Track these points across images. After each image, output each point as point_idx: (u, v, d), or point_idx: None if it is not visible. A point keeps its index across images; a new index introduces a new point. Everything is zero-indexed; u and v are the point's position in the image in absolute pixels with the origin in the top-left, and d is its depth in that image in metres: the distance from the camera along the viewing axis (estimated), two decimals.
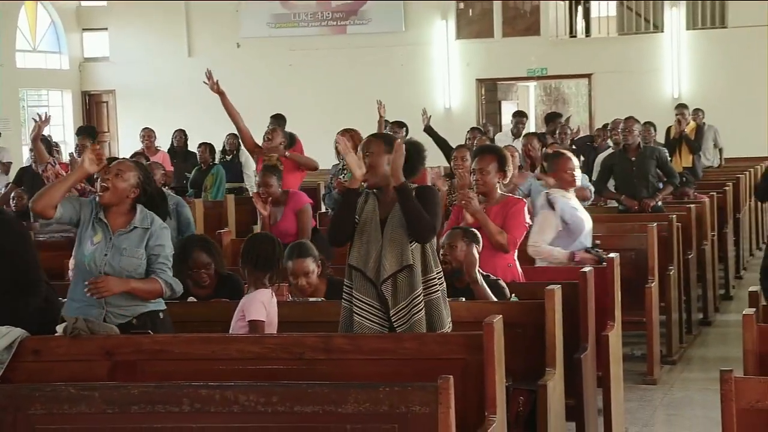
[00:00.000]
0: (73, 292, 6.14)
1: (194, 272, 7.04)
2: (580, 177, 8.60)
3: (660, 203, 11.34)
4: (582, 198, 9.42)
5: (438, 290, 5.71)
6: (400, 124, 14.85)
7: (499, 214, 7.47)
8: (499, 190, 7.68)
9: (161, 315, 6.16)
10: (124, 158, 6.46)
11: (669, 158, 11.94)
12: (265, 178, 9.16)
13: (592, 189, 9.62)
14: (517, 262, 7.54)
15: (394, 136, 6.04)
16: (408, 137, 6.51)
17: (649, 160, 11.36)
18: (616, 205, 11.71)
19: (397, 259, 5.62)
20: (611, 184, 11.61)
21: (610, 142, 13.68)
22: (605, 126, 16.10)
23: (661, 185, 11.46)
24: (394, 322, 5.62)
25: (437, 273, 5.73)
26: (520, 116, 16.57)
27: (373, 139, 5.85)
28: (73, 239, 6.43)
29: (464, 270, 6.71)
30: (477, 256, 6.74)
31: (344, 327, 5.74)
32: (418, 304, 5.63)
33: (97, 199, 6.16)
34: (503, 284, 6.83)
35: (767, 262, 5.73)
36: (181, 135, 17.14)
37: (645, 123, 12.45)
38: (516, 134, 15.60)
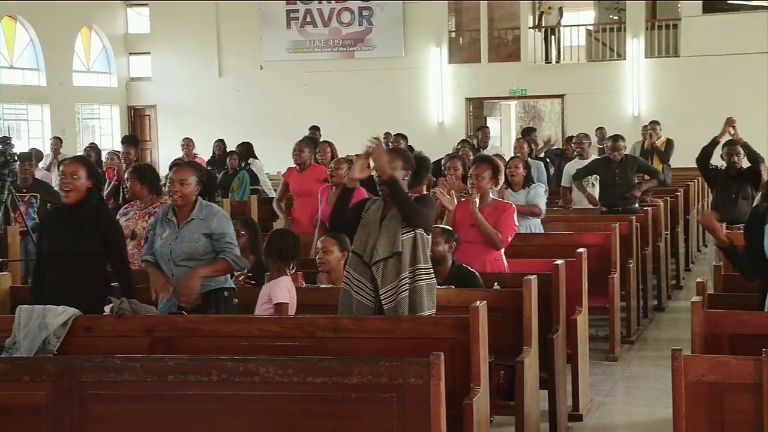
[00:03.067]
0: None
1: None
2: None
3: (637, 206, 11.35)
4: (531, 214, 9.41)
5: (423, 281, 5.68)
6: (402, 136, 14.86)
7: (492, 216, 7.47)
8: (491, 195, 7.70)
9: (226, 293, 6.17)
10: (179, 163, 6.51)
11: (644, 160, 11.99)
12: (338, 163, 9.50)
13: (543, 208, 9.56)
14: (504, 256, 7.55)
15: (408, 152, 6.03)
16: (417, 151, 6.50)
17: (630, 170, 11.39)
18: (587, 207, 11.73)
19: (389, 247, 5.62)
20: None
21: (575, 154, 13.66)
22: (571, 138, 16.16)
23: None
24: (383, 299, 5.61)
25: (425, 267, 5.70)
26: (483, 130, 16.58)
27: (393, 155, 5.88)
28: None
29: None
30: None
31: (343, 305, 5.73)
32: (404, 286, 5.61)
33: (172, 202, 6.24)
34: (477, 274, 6.82)
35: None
36: (220, 144, 17.13)
37: (615, 135, 12.49)
38: (482, 145, 15.52)
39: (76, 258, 6.10)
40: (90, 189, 6.24)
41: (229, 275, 6.26)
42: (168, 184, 6.29)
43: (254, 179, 15.09)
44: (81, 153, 15.48)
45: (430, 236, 5.86)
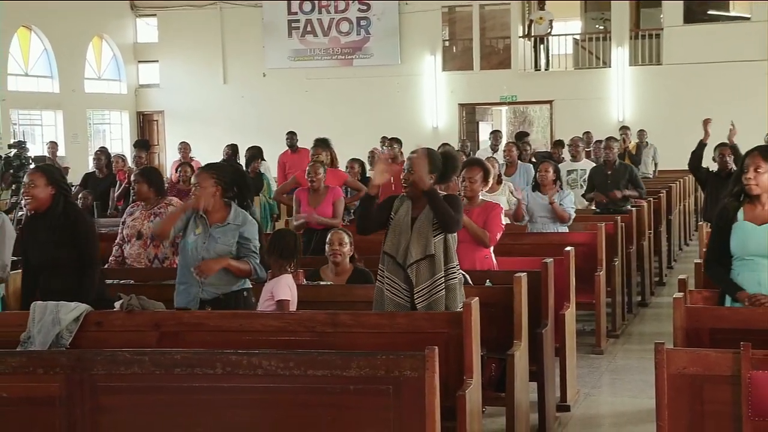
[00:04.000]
0: (180, 276, 6.16)
1: None
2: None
3: (628, 206, 11.38)
4: (561, 219, 9.54)
5: (456, 278, 5.72)
6: (398, 140, 14.83)
7: (481, 215, 7.46)
8: (480, 196, 7.70)
9: (245, 294, 6.16)
10: (201, 168, 6.48)
11: (637, 172, 12.03)
12: (315, 167, 9.62)
13: (572, 216, 9.67)
14: (493, 255, 7.54)
15: (437, 154, 5.99)
16: (448, 149, 6.53)
17: (621, 176, 11.46)
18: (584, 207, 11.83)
19: (422, 249, 5.64)
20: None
21: (566, 156, 13.70)
22: (560, 142, 16.18)
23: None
24: (416, 299, 5.62)
25: (456, 264, 5.74)
26: (496, 134, 16.60)
27: (421, 154, 5.84)
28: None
29: None
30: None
31: (377, 302, 5.76)
32: (439, 286, 5.64)
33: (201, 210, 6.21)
34: (466, 274, 6.80)
35: (710, 256, 5.66)
36: (230, 149, 17.05)
37: (608, 138, 12.54)
38: (494, 149, 15.60)
39: (58, 265, 6.08)
40: (54, 195, 6.17)
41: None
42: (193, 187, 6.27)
43: (259, 183, 15.04)
44: (92, 156, 15.39)
45: (455, 234, 5.86)
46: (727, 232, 5.44)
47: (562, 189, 9.89)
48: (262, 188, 14.13)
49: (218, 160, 16.56)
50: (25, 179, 6.27)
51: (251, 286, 6.29)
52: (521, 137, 16.06)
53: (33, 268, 6.25)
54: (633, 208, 11.35)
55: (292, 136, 16.38)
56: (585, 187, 11.90)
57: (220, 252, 6.05)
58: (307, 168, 9.76)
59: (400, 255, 5.67)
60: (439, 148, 10.93)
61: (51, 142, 19.09)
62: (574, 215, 9.82)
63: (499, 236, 7.51)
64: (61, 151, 19.73)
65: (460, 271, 6.71)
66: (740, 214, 5.43)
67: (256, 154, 15.34)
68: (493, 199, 8.23)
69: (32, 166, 6.70)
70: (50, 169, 6.46)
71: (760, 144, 5.67)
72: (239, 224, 6.10)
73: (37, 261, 6.20)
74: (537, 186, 9.84)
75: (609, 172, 11.49)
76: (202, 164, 6.44)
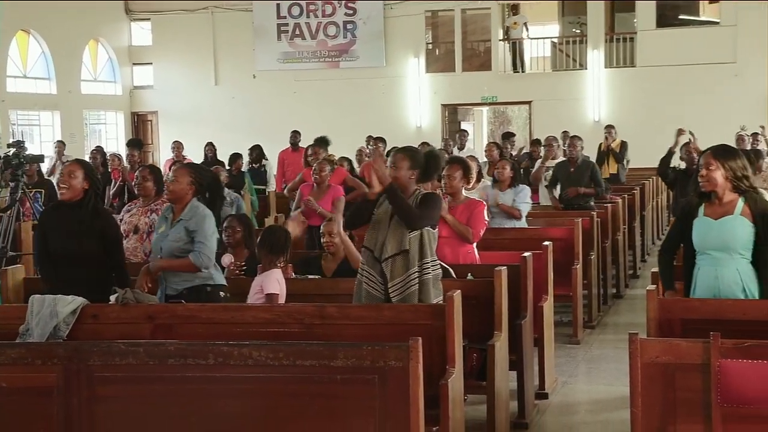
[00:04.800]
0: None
1: (221, 232, 6.94)
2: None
3: (592, 202, 11.39)
4: (512, 216, 9.47)
5: (430, 274, 5.68)
6: (382, 140, 14.85)
7: (464, 212, 7.46)
8: (463, 193, 7.69)
9: (208, 288, 6.09)
10: (180, 164, 6.45)
11: (599, 170, 12.04)
12: (322, 164, 9.73)
13: (524, 214, 9.63)
14: (476, 249, 7.54)
15: (419, 152, 5.97)
16: (431, 148, 6.53)
17: (585, 172, 11.47)
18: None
19: (397, 245, 5.62)
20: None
21: (542, 154, 13.71)
22: (538, 141, 16.23)
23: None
24: (390, 293, 5.61)
25: (432, 260, 5.71)
26: (462, 133, 16.68)
27: (399, 155, 5.84)
28: None
29: None
30: None
31: (356, 294, 5.76)
32: (413, 281, 5.62)
33: (166, 198, 6.21)
34: (447, 267, 6.79)
35: (664, 245, 5.73)
36: (211, 147, 17.04)
37: (573, 136, 12.53)
38: (460, 148, 15.68)
39: (78, 257, 6.05)
40: (87, 190, 6.17)
41: (219, 271, 6.21)
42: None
43: (261, 179, 15.03)
44: (88, 155, 15.35)
45: (436, 230, 5.84)
46: (687, 226, 5.50)
47: (516, 186, 9.68)
48: (244, 186, 14.12)
49: (201, 158, 16.67)
50: (65, 169, 6.25)
51: (219, 283, 6.16)
52: (507, 137, 16.23)
53: (53, 257, 6.19)
54: (607, 205, 11.37)
55: (295, 134, 16.44)
56: (549, 181, 11.94)
57: (168, 249, 6.03)
58: (315, 165, 9.80)
59: (377, 249, 5.66)
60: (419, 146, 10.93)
61: (59, 141, 18.97)
62: (527, 210, 9.68)
63: (482, 232, 7.51)
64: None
65: (445, 265, 6.74)
66: (701, 210, 5.49)
67: (261, 152, 15.49)
68: (471, 195, 8.22)
69: (66, 162, 6.67)
70: (89, 164, 6.50)
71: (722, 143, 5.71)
72: (187, 219, 6.05)
73: (59, 251, 6.15)
74: (495, 182, 9.75)
75: (572, 169, 11.50)
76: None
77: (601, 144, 15.67)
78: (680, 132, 11.03)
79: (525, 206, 9.59)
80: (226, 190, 10.15)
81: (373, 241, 5.70)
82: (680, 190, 10.33)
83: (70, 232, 6.09)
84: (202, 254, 5.99)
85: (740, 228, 5.35)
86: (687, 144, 10.76)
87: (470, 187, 8.99)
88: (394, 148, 6.65)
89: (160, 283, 6.10)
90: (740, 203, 5.40)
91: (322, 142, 11.28)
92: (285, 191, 11.88)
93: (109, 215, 6.55)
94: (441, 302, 5.60)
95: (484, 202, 7.80)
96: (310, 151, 11.28)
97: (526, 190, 9.72)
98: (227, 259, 6.95)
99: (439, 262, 5.86)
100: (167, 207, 6.33)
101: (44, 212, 6.65)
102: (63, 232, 6.12)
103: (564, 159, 12.31)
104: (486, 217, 7.60)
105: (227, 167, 14.73)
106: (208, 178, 6.28)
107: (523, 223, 9.56)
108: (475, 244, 7.52)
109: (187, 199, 6.11)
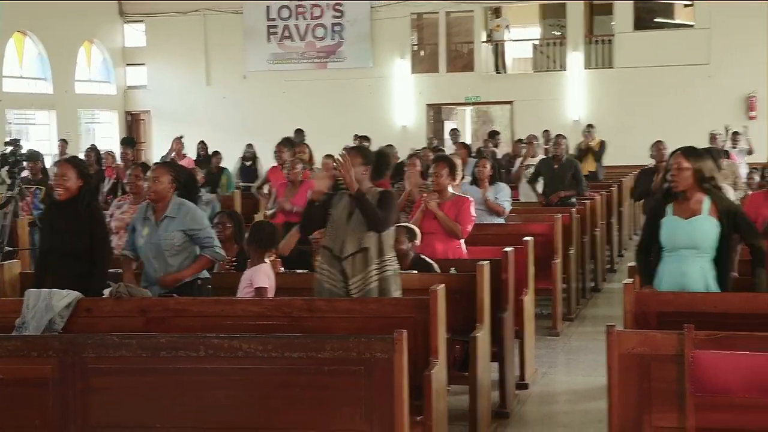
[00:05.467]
0: (144, 276, 6.15)
1: (214, 225, 6.95)
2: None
3: (574, 199, 11.43)
4: (496, 213, 9.49)
5: (389, 270, 5.68)
6: (366, 138, 14.83)
7: (452, 209, 7.47)
8: (450, 190, 7.68)
9: (199, 282, 6.12)
10: (156, 163, 6.43)
11: (581, 169, 12.07)
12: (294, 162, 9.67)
13: (508, 209, 9.66)
14: (464, 244, 7.55)
15: (370, 151, 5.96)
16: (381, 147, 6.49)
17: (567, 170, 11.53)
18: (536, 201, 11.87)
19: (356, 243, 5.60)
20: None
21: (523, 153, 13.76)
22: (521, 140, 16.24)
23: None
24: (351, 289, 5.59)
25: (390, 256, 5.71)
26: (455, 132, 16.81)
27: (352, 152, 5.82)
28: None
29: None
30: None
31: (317, 292, 5.72)
32: (372, 277, 5.61)
33: (147, 199, 6.16)
34: (433, 263, 6.80)
35: (639, 245, 5.76)
36: (203, 145, 17.02)
37: (558, 135, 12.60)
38: (455, 142, 15.86)
39: (71, 254, 6.05)
40: (81, 188, 6.17)
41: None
42: (144, 182, 6.24)
43: (252, 177, 15.01)
44: (83, 153, 15.29)
45: (393, 226, 5.84)
46: (656, 225, 5.52)
47: (497, 183, 9.72)
48: (220, 182, 14.15)
49: (194, 156, 16.66)
50: (58, 171, 6.24)
51: (208, 276, 6.22)
52: (493, 135, 16.36)
53: (47, 253, 6.21)
54: (585, 201, 11.42)
55: (299, 133, 16.41)
56: (531, 175, 12.00)
57: (163, 246, 6.02)
58: (287, 163, 9.77)
59: (336, 248, 5.63)
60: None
61: (62, 140, 18.90)
62: (509, 208, 9.72)
63: (470, 228, 7.52)
64: (54, 149, 19.57)
65: (428, 259, 6.76)
66: (669, 209, 5.51)
67: (254, 153, 15.57)
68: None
69: (57, 162, 6.67)
70: (81, 162, 6.48)
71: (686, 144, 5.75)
72: (176, 216, 6.04)
73: (49, 246, 6.16)
74: (475, 180, 9.77)
75: (556, 167, 11.57)
76: (193, 161, 6.47)
77: (580, 143, 15.71)
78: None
79: (507, 204, 9.62)
80: (202, 190, 10.12)
81: (332, 241, 5.66)
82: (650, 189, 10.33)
83: (65, 228, 6.08)
84: (216, 248, 6.06)
85: (709, 228, 5.39)
86: (658, 142, 10.79)
87: (456, 183, 9.01)
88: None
89: (152, 283, 6.06)
90: (707, 202, 5.43)
91: (286, 143, 11.24)
92: (252, 190, 11.85)
93: (101, 214, 6.52)
94: (400, 296, 5.63)
95: (471, 199, 7.80)
96: (275, 149, 11.18)
97: (506, 189, 9.76)
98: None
99: (394, 257, 5.83)
100: (143, 207, 6.25)
101: (46, 210, 6.64)
102: (56, 229, 6.12)
103: (546, 156, 12.35)
104: (473, 213, 7.61)
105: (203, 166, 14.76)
106: (184, 176, 6.31)
107: (501, 221, 9.57)
108: (462, 240, 7.53)
109: (169, 197, 6.10)
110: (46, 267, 6.19)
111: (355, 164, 5.68)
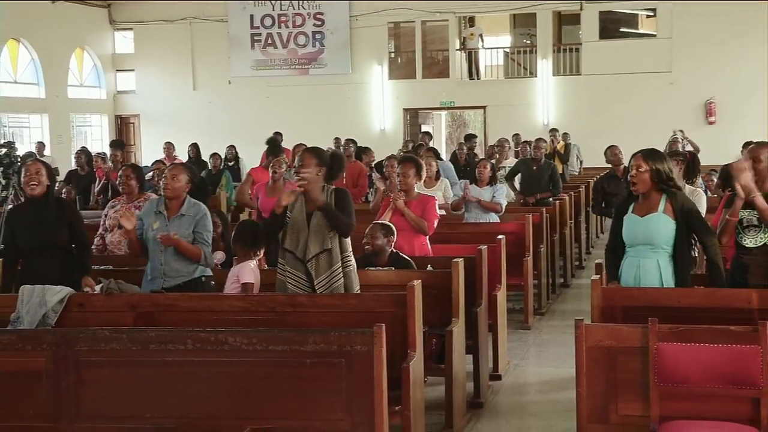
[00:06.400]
0: (149, 269, 6.12)
1: None
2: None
3: (550, 199, 11.55)
4: (493, 210, 9.60)
5: (351, 264, 5.64)
6: (352, 141, 14.74)
7: (418, 207, 7.46)
8: (416, 189, 7.68)
9: (203, 279, 6.11)
10: (176, 163, 6.47)
11: (557, 171, 12.14)
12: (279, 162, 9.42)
13: (504, 206, 9.75)
14: (429, 242, 7.55)
15: (325, 152, 5.83)
16: (334, 149, 6.39)
17: (546, 171, 11.65)
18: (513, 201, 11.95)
19: (319, 244, 5.52)
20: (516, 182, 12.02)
21: (497, 156, 13.79)
22: (493, 145, 16.30)
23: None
24: (318, 289, 5.51)
25: (350, 253, 5.63)
26: (424, 135, 16.84)
27: (306, 154, 5.68)
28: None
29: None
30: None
31: (279, 291, 5.61)
32: (338, 275, 5.55)
33: (163, 194, 6.17)
34: (410, 261, 6.78)
35: (608, 243, 5.78)
36: (194, 147, 16.93)
37: (538, 138, 12.72)
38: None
39: (52, 247, 6.08)
40: (48, 186, 6.28)
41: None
42: (162, 179, 6.24)
43: (236, 177, 14.95)
44: (74, 155, 15.17)
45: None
46: (619, 223, 5.56)
47: (495, 184, 9.97)
48: (220, 183, 14.06)
49: (185, 158, 16.61)
50: (32, 168, 6.28)
51: (211, 273, 6.22)
52: (469, 139, 16.41)
53: (19, 252, 6.22)
54: (555, 201, 11.48)
55: (277, 136, 16.37)
56: (508, 172, 12.10)
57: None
58: (271, 164, 9.71)
59: (299, 251, 5.53)
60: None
61: (38, 142, 18.81)
62: (505, 204, 9.86)
63: (435, 224, 7.52)
64: (47, 151, 19.43)
65: (405, 256, 6.75)
66: (630, 207, 5.55)
67: (235, 152, 15.51)
68: (429, 194, 8.22)
69: (28, 161, 6.71)
70: (47, 164, 6.55)
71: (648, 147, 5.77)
72: (193, 215, 6.07)
73: (26, 245, 6.16)
74: (476, 181, 9.89)
75: (534, 168, 11.69)
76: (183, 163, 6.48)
77: (546, 146, 15.79)
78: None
79: (503, 201, 9.80)
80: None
81: (295, 243, 5.54)
82: (612, 189, 10.37)
83: (41, 224, 6.11)
84: (208, 253, 6.07)
85: (663, 225, 5.43)
86: (612, 146, 11.00)
87: (428, 185, 9.04)
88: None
89: (156, 276, 6.04)
90: (663, 201, 5.47)
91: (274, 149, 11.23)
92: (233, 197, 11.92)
93: (74, 206, 6.63)
94: (359, 291, 5.61)
95: (435, 197, 7.81)
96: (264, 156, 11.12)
97: (503, 188, 9.96)
98: (219, 255, 6.90)
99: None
100: (155, 202, 6.26)
101: (11, 211, 6.61)
102: (28, 227, 6.14)
103: (522, 158, 12.43)
104: (437, 211, 7.62)
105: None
106: (199, 179, 6.37)
107: (496, 218, 9.66)
108: (428, 237, 7.52)
109: (184, 196, 6.11)
110: (15, 266, 6.24)
111: (310, 165, 5.57)
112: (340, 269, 5.56)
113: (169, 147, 16.31)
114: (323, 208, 5.53)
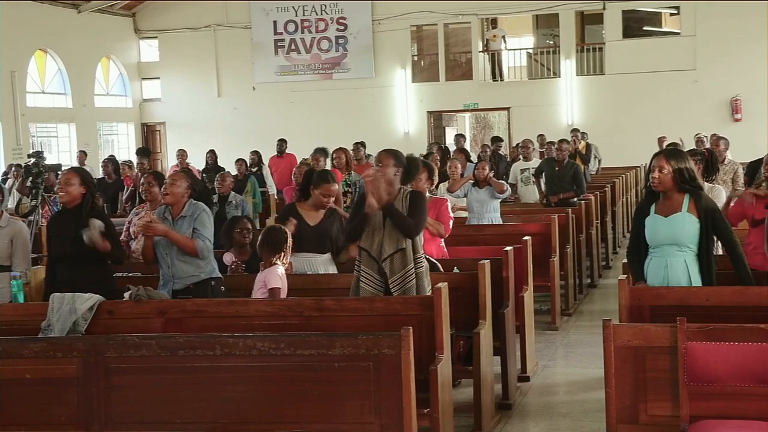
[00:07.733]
0: (160, 274, 6.19)
1: (237, 232, 7.08)
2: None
3: (575, 199, 11.54)
4: (500, 191, 9.66)
5: (423, 266, 5.69)
6: (362, 144, 14.71)
7: (432, 210, 7.44)
8: (428, 193, 7.68)
9: (213, 282, 6.14)
10: (176, 171, 6.50)
11: (581, 172, 12.12)
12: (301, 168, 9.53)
13: (505, 184, 9.87)
14: (444, 244, 7.55)
15: (402, 155, 5.91)
16: (409, 154, 6.43)
17: (568, 172, 11.63)
18: (528, 201, 11.96)
19: (394, 244, 5.60)
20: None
21: (521, 157, 13.75)
22: (517, 145, 16.25)
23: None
24: (392, 288, 5.58)
25: (422, 254, 5.71)
26: (459, 137, 16.81)
27: (384, 154, 5.81)
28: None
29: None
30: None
31: (353, 291, 5.73)
32: (411, 275, 5.61)
33: (163, 201, 6.24)
34: (436, 262, 6.75)
35: (630, 245, 5.75)
36: (212, 154, 16.99)
37: (561, 140, 12.70)
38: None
39: (81, 257, 6.06)
40: (84, 195, 6.22)
41: (216, 268, 6.23)
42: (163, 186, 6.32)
43: (260, 183, 15.00)
44: (101, 164, 15.26)
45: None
46: (641, 224, 5.53)
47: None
48: (245, 189, 14.09)
49: (203, 164, 16.71)
50: (62, 178, 6.28)
51: (220, 276, 6.25)
52: (495, 141, 16.47)
53: (53, 259, 6.24)
54: (581, 202, 11.43)
55: (281, 143, 16.48)
56: (535, 171, 12.16)
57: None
58: (294, 169, 9.77)
59: (374, 250, 5.62)
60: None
61: (81, 151, 18.89)
62: (507, 185, 10.03)
63: (450, 225, 7.53)
64: (74, 161, 19.59)
65: (432, 260, 6.73)
66: (652, 208, 5.52)
67: (260, 157, 15.88)
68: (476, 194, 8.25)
69: (63, 170, 6.73)
70: (84, 171, 6.50)
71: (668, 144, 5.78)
72: (191, 214, 6.13)
73: (59, 253, 6.17)
74: (476, 182, 9.83)
75: (557, 169, 11.70)
76: (198, 171, 6.53)
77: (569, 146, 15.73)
78: None
79: (504, 183, 9.95)
80: (233, 193, 10.14)
81: (370, 242, 5.65)
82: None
83: (73, 236, 6.08)
84: (203, 242, 6.05)
85: (687, 224, 5.40)
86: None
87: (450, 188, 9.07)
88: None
89: (167, 281, 6.09)
90: (686, 200, 5.44)
91: (322, 151, 11.26)
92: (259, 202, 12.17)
93: (106, 216, 6.59)
94: (430, 293, 5.59)
95: (447, 199, 7.86)
96: (311, 159, 11.17)
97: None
98: (228, 257, 6.94)
99: (424, 255, 5.84)
100: (161, 209, 6.32)
101: (52, 217, 6.67)
102: (64, 236, 6.14)
103: (544, 159, 12.44)
104: (450, 213, 7.65)
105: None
106: (200, 185, 6.41)
107: (497, 217, 9.68)
108: (443, 241, 7.53)
109: (184, 201, 6.17)
110: (55, 273, 6.22)
111: (387, 165, 5.70)
112: (413, 270, 5.61)
113: (182, 154, 16.60)
114: (386, 207, 5.59)
